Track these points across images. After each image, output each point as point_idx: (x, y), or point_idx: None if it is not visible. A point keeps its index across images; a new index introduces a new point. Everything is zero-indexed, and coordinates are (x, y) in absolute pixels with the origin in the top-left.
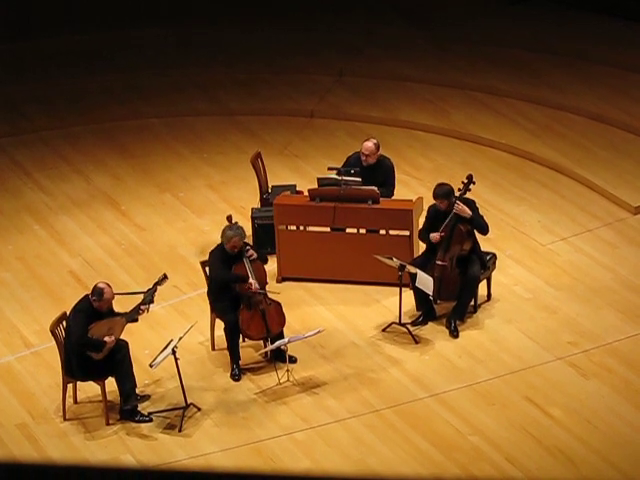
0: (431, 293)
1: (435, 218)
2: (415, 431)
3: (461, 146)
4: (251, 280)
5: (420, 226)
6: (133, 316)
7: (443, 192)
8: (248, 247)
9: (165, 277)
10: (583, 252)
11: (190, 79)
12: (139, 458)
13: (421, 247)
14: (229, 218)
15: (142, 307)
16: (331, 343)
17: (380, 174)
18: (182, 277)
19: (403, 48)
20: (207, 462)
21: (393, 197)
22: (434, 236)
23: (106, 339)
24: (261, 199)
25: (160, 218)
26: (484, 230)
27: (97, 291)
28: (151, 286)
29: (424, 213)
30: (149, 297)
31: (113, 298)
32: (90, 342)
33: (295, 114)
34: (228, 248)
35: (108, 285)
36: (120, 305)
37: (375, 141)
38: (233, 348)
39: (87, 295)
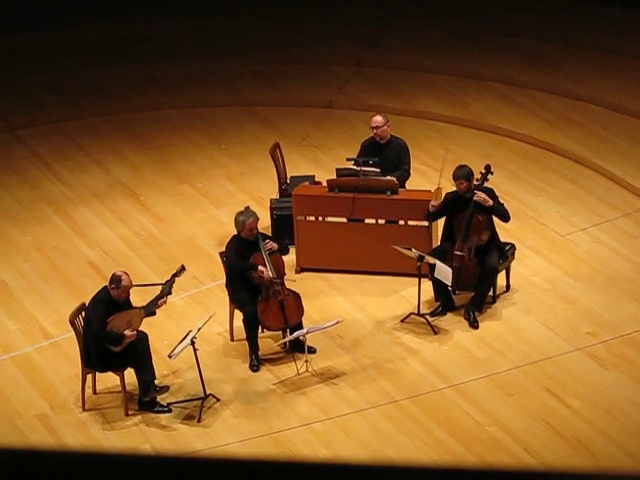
0: (450, 284)
1: (453, 204)
2: (433, 421)
3: (480, 137)
4: (261, 267)
5: None
6: (151, 309)
7: (463, 173)
8: (267, 240)
9: (183, 268)
10: (602, 242)
11: (208, 70)
12: (158, 448)
13: (440, 238)
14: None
15: (160, 300)
16: (350, 334)
17: (394, 153)
18: (201, 268)
19: (421, 39)
20: (226, 452)
21: (410, 178)
22: (431, 204)
23: (126, 332)
24: (280, 190)
25: (179, 209)
26: (506, 217)
27: (115, 279)
28: (169, 277)
29: None
30: (167, 289)
31: (131, 286)
32: (109, 335)
33: (313, 105)
34: (245, 234)
35: (126, 273)
36: (139, 297)
37: (382, 114)
38: (252, 339)
39: (105, 287)
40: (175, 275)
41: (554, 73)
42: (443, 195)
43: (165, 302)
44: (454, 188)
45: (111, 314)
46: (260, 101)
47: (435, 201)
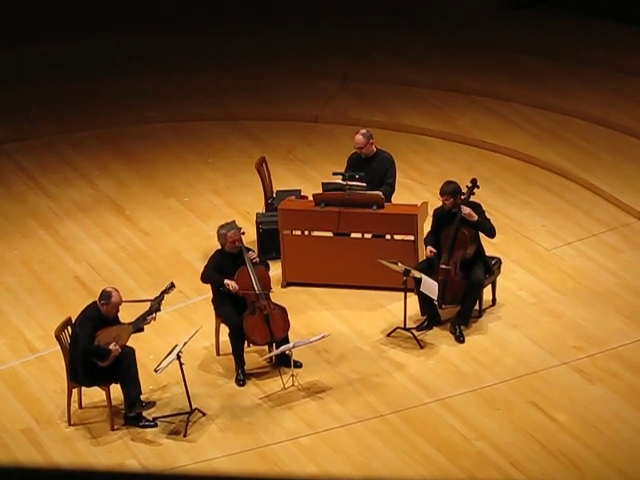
0: (436, 298)
1: (441, 220)
2: (420, 436)
3: (466, 151)
4: (226, 281)
5: (425, 231)
6: (139, 325)
7: (450, 189)
8: (250, 251)
9: (172, 285)
10: (588, 257)
11: (195, 84)
12: (144, 463)
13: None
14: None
15: (148, 317)
16: (336, 348)
17: (381, 167)
18: (187, 282)
19: (408, 53)
20: (212, 467)
21: (395, 192)
22: (428, 250)
23: (111, 347)
24: (266, 204)
25: (165, 223)
26: (491, 233)
27: (105, 295)
28: (158, 294)
29: (429, 218)
30: (156, 306)
31: (121, 303)
32: (96, 350)
33: (300, 119)
34: (229, 247)
35: (116, 289)
36: (127, 313)
37: (364, 131)
38: (238, 353)
39: (94, 302)
40: (164, 292)
41: (540, 87)
42: (430, 210)
43: (154, 318)
44: (440, 203)
45: (99, 329)
46: (247, 115)
47: (429, 250)
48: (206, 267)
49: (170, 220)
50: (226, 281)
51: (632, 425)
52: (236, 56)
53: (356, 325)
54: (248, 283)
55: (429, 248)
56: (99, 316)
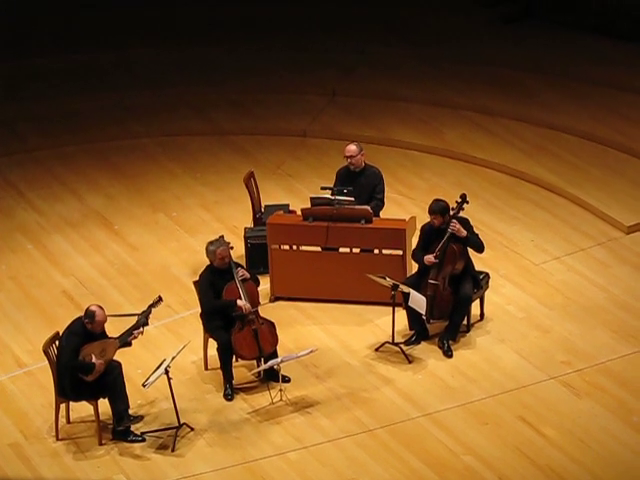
0: (424, 313)
1: (429, 235)
2: (408, 450)
3: (454, 166)
4: (240, 303)
5: (413, 246)
6: (126, 339)
7: (439, 208)
8: (239, 267)
9: (160, 299)
10: (576, 271)
11: (183, 99)
12: (132, 478)
13: (414, 266)
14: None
15: (135, 331)
16: (324, 362)
17: (369, 182)
18: (175, 297)
19: (396, 68)
20: None
21: (384, 207)
22: (428, 258)
23: (94, 360)
24: (254, 218)
25: (153, 238)
26: (480, 248)
27: (89, 314)
28: (145, 308)
29: (417, 233)
30: (143, 320)
31: (106, 320)
32: (79, 365)
33: (288, 134)
34: (218, 263)
35: (100, 307)
36: (114, 327)
37: (356, 143)
38: (226, 368)
39: (80, 317)
40: (151, 306)
41: (529, 102)
42: (417, 224)
43: (142, 333)
44: (428, 218)
45: (85, 344)
46: (235, 130)
47: (432, 257)
48: (205, 296)
49: (158, 235)
50: (239, 303)
51: (620, 439)
52: (225, 71)
53: (344, 340)
54: (236, 298)
55: (427, 257)
56: (85, 331)
